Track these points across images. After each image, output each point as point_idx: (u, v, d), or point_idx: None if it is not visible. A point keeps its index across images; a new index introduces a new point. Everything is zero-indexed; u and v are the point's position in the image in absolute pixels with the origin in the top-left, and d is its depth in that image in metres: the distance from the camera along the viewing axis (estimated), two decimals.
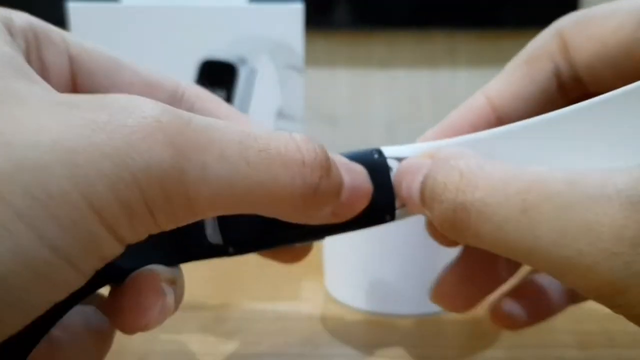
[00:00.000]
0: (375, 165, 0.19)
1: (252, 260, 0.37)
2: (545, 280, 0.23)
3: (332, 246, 0.32)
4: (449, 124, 0.22)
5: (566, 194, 0.14)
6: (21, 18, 0.17)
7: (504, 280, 0.23)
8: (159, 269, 0.18)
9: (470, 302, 0.23)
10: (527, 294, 0.23)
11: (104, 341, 0.18)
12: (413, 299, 0.30)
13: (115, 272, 0.18)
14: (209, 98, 0.21)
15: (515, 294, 0.24)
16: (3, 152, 0.12)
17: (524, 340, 0.27)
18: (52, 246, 0.13)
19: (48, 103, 0.14)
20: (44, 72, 0.18)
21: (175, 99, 0.20)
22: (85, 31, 0.37)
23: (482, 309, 0.31)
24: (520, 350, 0.27)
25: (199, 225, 0.19)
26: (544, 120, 0.18)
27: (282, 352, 0.26)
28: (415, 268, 0.30)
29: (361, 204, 0.18)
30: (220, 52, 0.37)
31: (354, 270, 0.31)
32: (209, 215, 0.16)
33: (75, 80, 0.19)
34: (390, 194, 0.19)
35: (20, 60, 0.15)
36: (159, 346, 0.27)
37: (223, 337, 0.28)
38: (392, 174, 0.19)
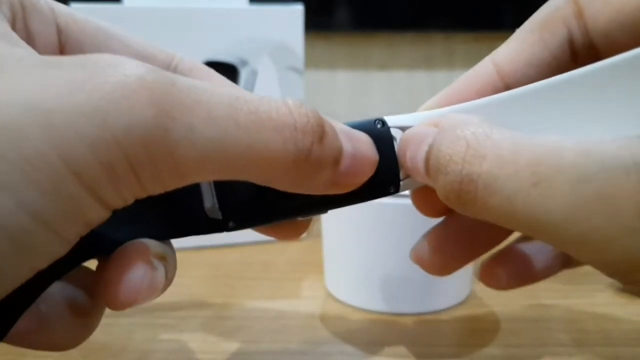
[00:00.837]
0: (378, 135, 0.18)
1: (252, 260, 0.38)
2: (531, 248, 0.22)
3: (332, 245, 0.32)
4: (454, 91, 0.21)
5: (580, 166, 0.13)
6: None
7: (486, 249, 0.22)
8: (149, 242, 0.17)
9: (448, 268, 0.22)
10: (510, 260, 0.22)
11: (88, 320, 0.18)
12: (412, 297, 0.30)
13: (103, 243, 0.17)
14: (204, 70, 0.20)
15: (498, 259, 0.22)
16: None
17: (521, 339, 0.28)
18: (32, 211, 0.12)
19: (27, 64, 0.13)
20: (30, 41, 0.17)
21: (170, 70, 0.19)
22: None
23: (481, 308, 0.31)
24: (517, 348, 0.27)
25: (197, 199, 0.18)
26: (557, 83, 0.17)
27: (282, 350, 0.27)
28: (414, 267, 0.30)
29: (365, 174, 0.17)
30: (221, 53, 0.38)
31: (354, 269, 0.31)
32: (197, 178, 0.15)
33: (63, 51, 0.18)
34: (394, 165, 0.18)
35: (4, 26, 0.15)
36: (160, 345, 0.27)
37: (224, 336, 0.28)
38: (396, 144, 0.18)
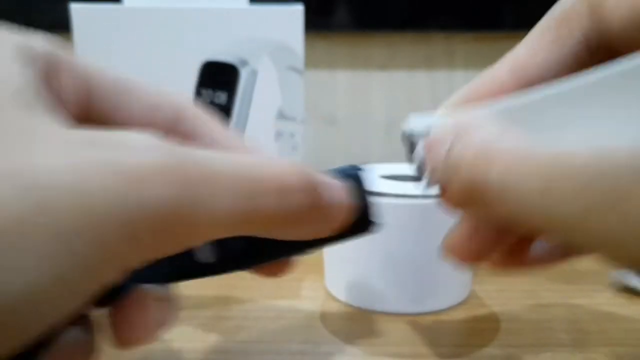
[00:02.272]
0: (351, 179, 0.20)
1: None
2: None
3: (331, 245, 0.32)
4: (472, 90, 0.21)
5: (592, 170, 0.13)
6: (41, 44, 0.17)
7: (513, 236, 0.22)
8: (153, 287, 0.19)
9: (481, 254, 0.22)
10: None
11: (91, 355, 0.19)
12: (412, 297, 0.30)
13: (109, 294, 0.18)
14: (208, 120, 0.21)
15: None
16: (25, 194, 0.13)
17: (521, 339, 0.28)
18: (65, 281, 0.13)
19: (61, 140, 0.14)
20: (61, 96, 0.18)
21: (178, 122, 0.20)
22: (87, 32, 0.37)
23: (481, 308, 0.31)
24: (516, 349, 0.27)
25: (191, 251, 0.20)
26: (577, 84, 0.17)
27: (282, 350, 0.27)
28: (414, 267, 0.30)
29: (341, 219, 0.18)
30: (221, 53, 0.38)
31: (353, 269, 0.31)
32: (207, 240, 0.16)
33: (91, 102, 0.19)
34: (366, 206, 0.20)
35: (34, 90, 0.15)
36: (160, 345, 0.27)
37: (224, 336, 0.28)
38: (420, 147, 0.19)
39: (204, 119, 0.21)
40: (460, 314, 0.30)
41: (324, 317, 0.30)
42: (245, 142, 0.21)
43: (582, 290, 0.33)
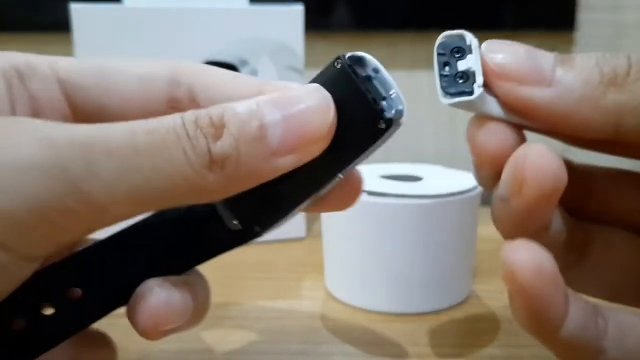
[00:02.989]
0: (337, 76, 0.17)
1: (252, 260, 0.38)
2: None
3: (332, 245, 0.32)
4: None
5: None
6: (3, 60, 0.18)
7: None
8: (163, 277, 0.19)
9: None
10: None
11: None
12: (412, 297, 0.30)
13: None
14: (208, 70, 0.20)
15: None
16: None
17: (522, 339, 0.28)
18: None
19: None
20: (33, 102, 0.19)
21: (173, 84, 0.20)
22: (88, 32, 0.37)
23: (481, 308, 0.31)
24: (517, 348, 0.27)
25: (217, 220, 0.19)
26: None
27: (283, 350, 0.27)
28: (414, 267, 0.30)
29: (314, 125, 0.16)
30: (222, 53, 0.38)
31: (353, 269, 0.31)
32: (122, 212, 0.15)
33: (72, 99, 0.19)
34: (365, 99, 0.17)
35: None
36: (160, 345, 0.27)
37: (224, 336, 0.28)
38: (474, 52, 0.18)
39: (206, 70, 0.20)
40: (460, 314, 0.30)
41: (324, 317, 0.30)
42: (255, 80, 0.20)
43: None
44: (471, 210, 0.31)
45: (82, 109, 0.20)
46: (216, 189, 0.16)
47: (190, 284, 0.19)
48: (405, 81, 0.60)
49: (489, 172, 0.18)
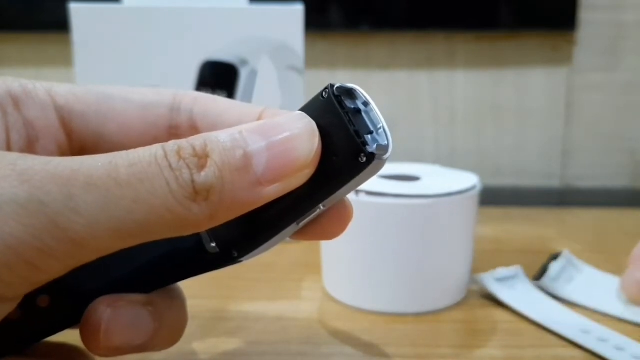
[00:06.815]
0: (325, 107, 0.17)
1: (252, 261, 0.38)
2: None
3: (330, 246, 0.32)
4: None
5: None
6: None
7: None
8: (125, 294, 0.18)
9: None
10: None
11: None
12: (412, 297, 0.30)
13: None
14: (206, 98, 0.20)
15: None
16: None
17: (521, 340, 0.28)
18: None
19: None
20: (29, 129, 0.18)
21: (173, 111, 0.20)
22: (87, 32, 0.37)
23: (481, 308, 0.31)
24: (517, 349, 0.27)
25: (196, 241, 0.19)
26: None
27: (282, 351, 0.27)
28: (413, 267, 0.30)
29: (298, 155, 0.16)
30: (221, 53, 0.38)
31: (352, 270, 0.31)
32: (100, 247, 0.15)
33: (69, 126, 0.19)
34: (347, 132, 0.16)
35: None
36: None
37: (223, 337, 0.28)
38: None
39: (203, 98, 0.20)
40: (460, 314, 0.30)
41: (324, 318, 0.30)
42: (255, 107, 0.20)
43: None
44: (469, 210, 0.31)
45: (79, 136, 0.19)
46: (201, 220, 0.15)
47: (155, 304, 0.18)
48: (405, 81, 0.60)
49: None
